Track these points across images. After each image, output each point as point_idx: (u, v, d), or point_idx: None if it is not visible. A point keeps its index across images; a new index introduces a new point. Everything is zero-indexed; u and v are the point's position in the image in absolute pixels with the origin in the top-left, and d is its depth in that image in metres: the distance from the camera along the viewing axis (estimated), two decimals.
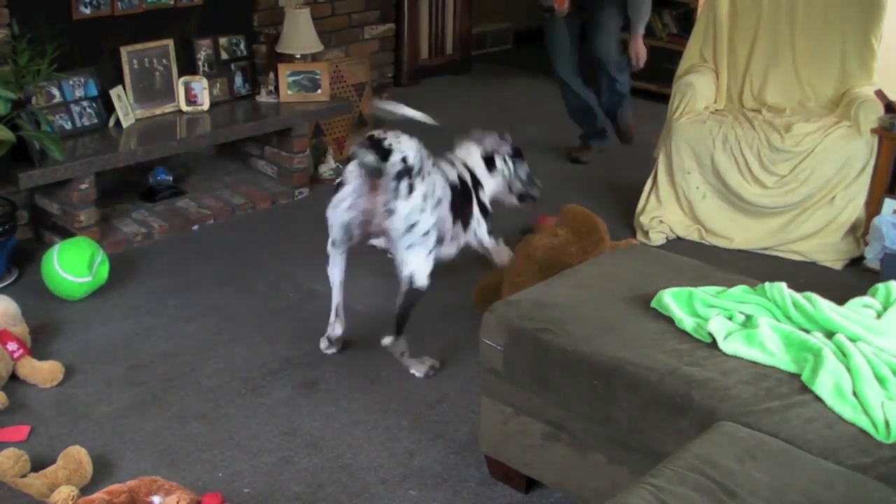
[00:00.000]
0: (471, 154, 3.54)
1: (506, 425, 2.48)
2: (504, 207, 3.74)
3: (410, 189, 2.88)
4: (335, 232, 3.10)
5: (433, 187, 3.00)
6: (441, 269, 3.80)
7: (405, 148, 2.87)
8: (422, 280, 3.00)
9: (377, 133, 2.92)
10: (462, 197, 3.31)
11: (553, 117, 5.99)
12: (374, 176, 2.89)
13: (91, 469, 2.53)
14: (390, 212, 2.90)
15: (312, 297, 3.60)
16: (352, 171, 2.97)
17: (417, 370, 3.11)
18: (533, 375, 2.34)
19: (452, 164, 3.42)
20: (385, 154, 2.84)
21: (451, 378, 3.10)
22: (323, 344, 3.22)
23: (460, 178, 3.36)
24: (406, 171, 2.87)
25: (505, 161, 3.59)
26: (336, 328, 3.20)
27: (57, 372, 2.99)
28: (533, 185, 3.71)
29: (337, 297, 3.19)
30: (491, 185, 3.56)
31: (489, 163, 3.57)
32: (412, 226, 2.92)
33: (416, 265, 2.98)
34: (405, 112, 3.20)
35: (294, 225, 4.25)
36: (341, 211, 3.03)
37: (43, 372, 2.97)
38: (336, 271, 3.16)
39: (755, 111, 4.21)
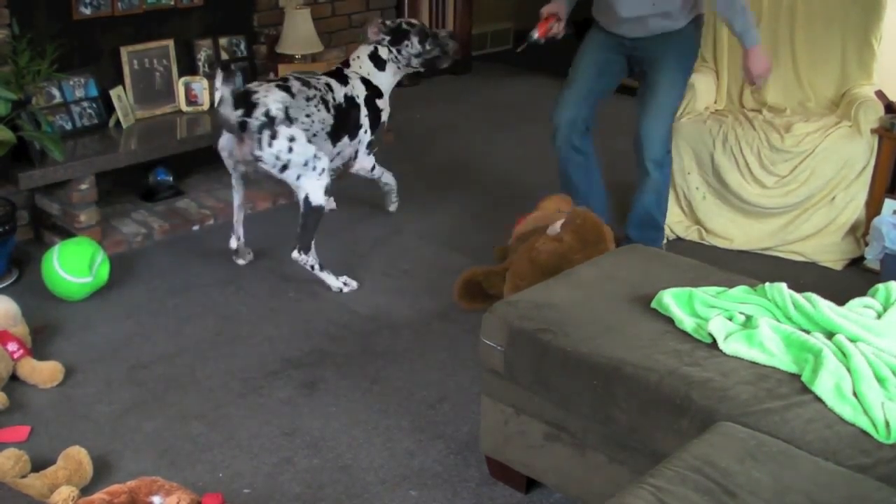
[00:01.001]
0: (362, 61, 3.92)
1: (506, 425, 2.48)
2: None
3: (273, 137, 3.39)
4: (228, 168, 3.69)
5: (308, 124, 3.51)
6: (441, 271, 3.81)
7: (269, 101, 3.40)
8: (317, 199, 3.53)
9: (252, 86, 3.48)
10: (349, 113, 3.77)
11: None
12: (233, 133, 3.42)
13: (91, 469, 2.53)
14: (257, 159, 3.43)
15: (312, 298, 3.60)
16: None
17: (332, 284, 3.64)
18: (533, 376, 2.34)
19: (346, 81, 3.81)
20: (250, 108, 3.36)
21: (451, 378, 3.10)
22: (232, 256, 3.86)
23: (347, 96, 3.77)
24: (268, 123, 3.38)
25: (390, 51, 3.92)
26: (232, 242, 3.82)
27: (57, 372, 2.99)
28: (438, 47, 3.98)
29: (236, 215, 3.81)
30: (386, 82, 3.95)
31: (378, 59, 3.92)
32: (285, 165, 3.44)
33: (308, 188, 3.51)
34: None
35: (294, 225, 4.25)
36: (224, 156, 3.62)
37: (43, 372, 2.97)
38: (236, 195, 3.79)
39: (755, 111, 4.21)
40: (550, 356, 2.28)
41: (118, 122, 4.08)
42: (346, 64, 3.93)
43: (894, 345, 2.17)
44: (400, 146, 5.31)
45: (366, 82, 3.86)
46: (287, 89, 3.50)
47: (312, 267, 3.62)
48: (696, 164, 4.11)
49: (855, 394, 2.01)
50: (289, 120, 3.42)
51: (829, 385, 2.03)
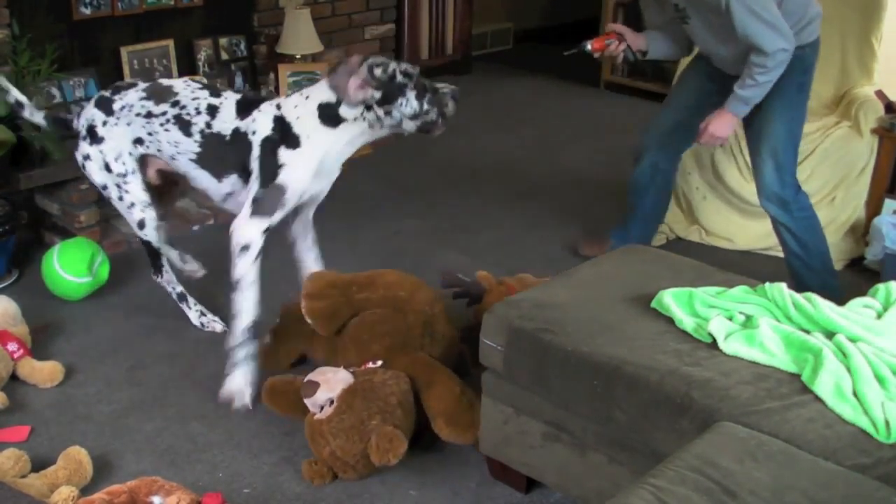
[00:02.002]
0: (306, 107, 2.87)
1: (506, 425, 2.48)
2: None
3: (76, 149, 3.13)
4: None
5: (113, 149, 3.05)
6: (441, 271, 3.81)
7: (84, 113, 3.11)
8: (133, 226, 3.17)
9: (105, 92, 3.12)
10: (235, 148, 2.92)
11: (552, 117, 6.00)
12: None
13: (91, 469, 2.53)
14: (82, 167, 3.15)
15: None
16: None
17: (191, 317, 3.38)
18: (533, 375, 2.34)
19: (248, 112, 2.93)
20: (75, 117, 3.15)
21: None
22: None
23: (238, 130, 2.91)
24: (85, 135, 3.09)
25: (372, 111, 2.81)
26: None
27: (57, 373, 2.99)
28: (436, 108, 2.87)
29: None
30: (322, 139, 2.86)
31: (332, 114, 2.84)
32: (93, 183, 3.17)
33: (124, 215, 3.18)
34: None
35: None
36: None
37: (43, 372, 2.97)
38: None
39: None
40: (550, 356, 2.28)
41: None
42: (294, 92, 3.01)
43: (894, 345, 2.17)
44: (400, 146, 5.31)
45: (282, 123, 2.86)
46: (107, 103, 3.05)
47: (174, 291, 3.34)
48: (696, 164, 4.11)
49: (855, 394, 2.01)
50: (91, 137, 3.06)
51: (829, 385, 2.03)
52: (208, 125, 2.95)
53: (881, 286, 2.44)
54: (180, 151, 3.00)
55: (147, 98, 3.01)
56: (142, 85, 3.07)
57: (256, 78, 4.66)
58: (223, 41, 4.54)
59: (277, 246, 4.07)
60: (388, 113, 2.81)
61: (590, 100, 6.39)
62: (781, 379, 2.10)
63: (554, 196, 4.67)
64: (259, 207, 2.86)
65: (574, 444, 2.34)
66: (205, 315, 3.36)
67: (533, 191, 4.75)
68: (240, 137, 2.91)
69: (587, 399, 2.23)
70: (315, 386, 2.57)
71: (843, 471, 1.84)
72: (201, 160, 2.99)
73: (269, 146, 2.86)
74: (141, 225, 3.14)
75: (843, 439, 1.92)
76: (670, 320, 2.32)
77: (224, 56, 4.56)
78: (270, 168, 2.86)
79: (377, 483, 2.60)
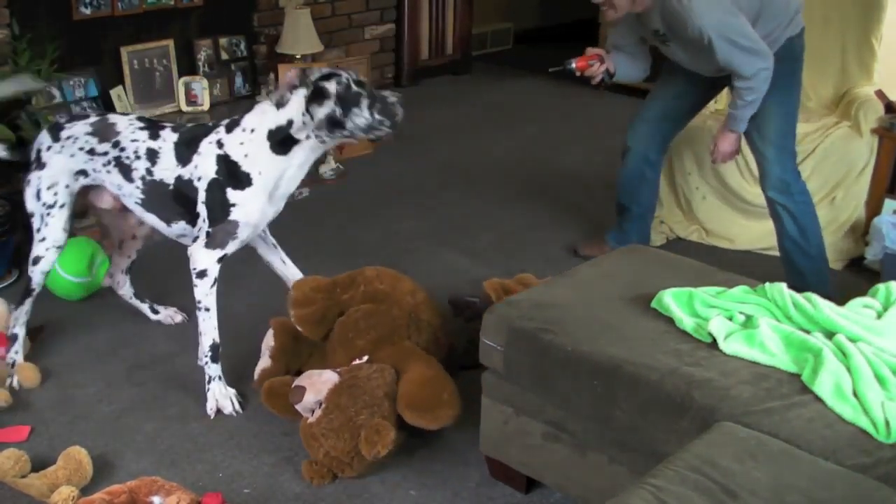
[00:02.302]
0: (254, 136, 2.75)
1: (506, 425, 2.48)
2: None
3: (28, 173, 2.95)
4: None
5: (49, 177, 2.89)
6: (442, 271, 3.81)
7: (38, 136, 2.97)
8: (33, 263, 2.97)
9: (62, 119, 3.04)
10: (180, 195, 2.82)
11: (552, 117, 6.00)
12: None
13: (91, 469, 2.53)
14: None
15: None
16: None
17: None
18: (533, 375, 2.34)
19: (190, 157, 2.79)
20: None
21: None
22: None
23: (182, 178, 2.80)
24: (32, 159, 2.94)
25: (337, 122, 2.70)
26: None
27: (30, 372, 2.98)
28: (386, 120, 2.83)
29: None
30: (273, 169, 2.76)
31: (284, 138, 2.73)
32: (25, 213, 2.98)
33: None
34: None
35: (294, 225, 4.25)
36: None
37: (22, 373, 2.96)
38: None
39: None
40: (550, 356, 2.28)
41: None
42: (233, 124, 2.79)
43: (894, 345, 2.17)
44: (400, 146, 5.31)
45: (227, 163, 2.74)
46: (57, 129, 2.92)
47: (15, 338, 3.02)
48: (696, 165, 4.11)
49: (855, 393, 2.01)
50: (36, 162, 2.92)
51: (829, 385, 2.03)
52: (149, 171, 2.83)
53: (881, 286, 2.44)
54: (124, 194, 2.90)
55: (92, 134, 2.87)
56: (92, 118, 2.93)
57: (256, 78, 4.66)
58: (223, 41, 4.54)
59: (292, 243, 4.07)
60: (342, 125, 2.71)
61: (590, 100, 6.39)
62: (781, 379, 2.10)
63: (554, 196, 4.67)
64: (212, 240, 2.80)
65: (574, 444, 2.34)
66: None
67: (533, 191, 4.75)
68: (184, 185, 2.81)
69: (587, 399, 2.23)
70: (302, 391, 2.58)
71: (844, 471, 1.84)
72: (146, 205, 2.89)
73: (216, 188, 2.76)
74: (36, 261, 2.95)
75: (843, 439, 1.92)
76: (670, 320, 2.32)
77: (224, 56, 4.56)
78: (220, 209, 2.77)
79: (377, 483, 2.60)
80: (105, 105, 4.07)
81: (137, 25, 4.19)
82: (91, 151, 2.86)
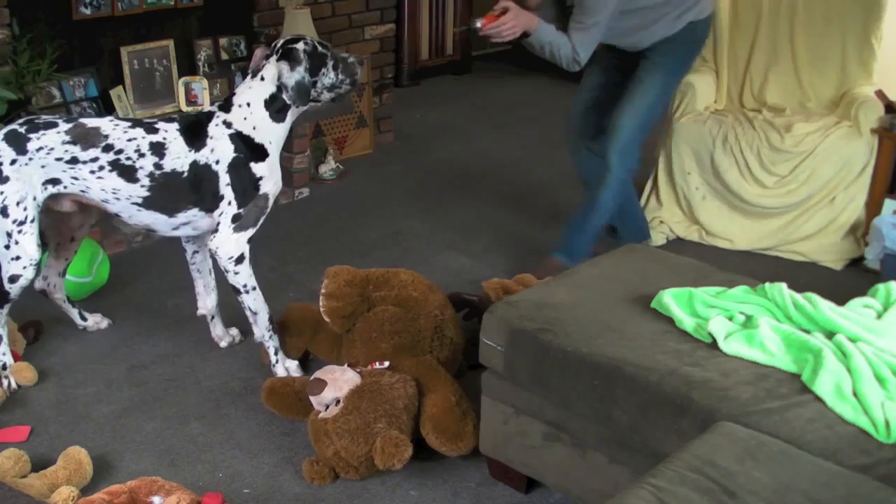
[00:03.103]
0: (252, 109, 2.82)
1: (506, 425, 2.48)
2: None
3: None
4: None
5: (16, 192, 2.67)
6: (441, 271, 3.81)
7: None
8: (3, 277, 2.79)
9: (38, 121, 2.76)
10: (195, 183, 2.79)
11: (552, 117, 6.00)
12: None
13: (91, 469, 2.53)
14: None
15: (313, 298, 3.59)
16: None
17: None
18: (533, 375, 2.34)
19: (201, 141, 2.79)
20: None
21: None
22: None
23: (197, 164, 2.77)
24: None
25: (290, 90, 2.80)
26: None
27: (26, 371, 2.98)
28: (348, 78, 2.92)
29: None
30: (277, 136, 2.87)
31: (278, 104, 2.83)
32: None
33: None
34: None
35: (294, 225, 4.25)
36: None
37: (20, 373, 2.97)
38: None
39: (755, 111, 4.21)
40: (550, 356, 2.28)
41: None
42: (227, 105, 2.85)
43: (894, 345, 2.17)
44: (400, 146, 5.32)
45: (242, 139, 2.80)
46: (20, 140, 2.68)
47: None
48: (696, 164, 4.11)
49: (855, 394, 2.01)
50: None
51: (829, 385, 2.03)
52: (158, 166, 2.75)
53: (881, 286, 2.44)
54: (119, 198, 2.77)
55: (71, 142, 2.70)
56: (63, 125, 2.72)
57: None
58: (223, 41, 4.54)
59: (292, 243, 4.07)
60: (314, 84, 2.84)
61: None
62: (781, 379, 2.10)
63: (554, 196, 4.67)
64: (242, 222, 2.83)
65: (574, 444, 2.34)
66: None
67: (533, 191, 4.75)
68: (200, 170, 2.78)
69: (587, 399, 2.23)
70: (322, 384, 2.57)
71: (844, 471, 1.84)
72: (149, 203, 2.79)
73: (241, 166, 2.80)
74: (14, 279, 2.80)
75: (843, 439, 1.92)
76: (670, 320, 2.32)
77: (224, 56, 4.55)
78: (249, 186, 2.82)
79: (377, 483, 2.60)
80: (105, 105, 4.06)
81: (137, 25, 4.19)
82: (73, 161, 2.70)
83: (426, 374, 2.71)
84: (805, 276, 3.77)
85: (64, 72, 3.84)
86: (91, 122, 2.76)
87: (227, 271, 2.86)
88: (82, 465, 2.51)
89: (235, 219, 2.81)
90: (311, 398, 2.60)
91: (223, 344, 3.22)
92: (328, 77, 2.86)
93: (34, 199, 2.72)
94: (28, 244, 2.75)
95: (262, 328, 2.97)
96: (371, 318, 2.84)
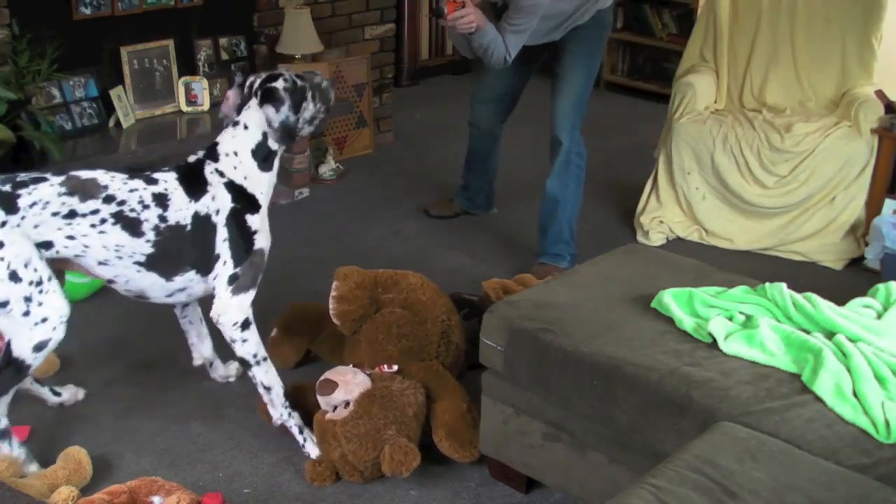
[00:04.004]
0: (241, 158, 2.64)
1: (506, 425, 2.48)
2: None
3: None
4: None
5: (17, 255, 2.38)
6: (441, 271, 3.81)
7: None
8: (21, 351, 2.45)
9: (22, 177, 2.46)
10: (196, 238, 2.58)
11: None
12: None
13: (91, 469, 2.53)
14: None
15: (313, 298, 3.59)
16: None
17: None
18: (533, 375, 2.34)
19: (202, 189, 2.59)
20: None
21: None
22: None
23: (199, 215, 2.58)
24: None
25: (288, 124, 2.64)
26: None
27: (52, 361, 2.98)
28: (322, 106, 2.77)
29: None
30: (267, 184, 2.70)
31: (266, 151, 2.66)
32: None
33: (12, 334, 2.46)
34: None
35: (294, 225, 4.25)
36: None
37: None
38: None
39: (755, 111, 4.21)
40: (550, 356, 2.28)
41: (118, 122, 4.08)
42: (214, 154, 2.64)
43: (894, 345, 2.17)
44: (400, 146, 5.31)
45: (236, 189, 2.61)
46: (8, 198, 2.38)
47: None
48: (696, 164, 4.11)
49: (855, 394, 2.01)
50: None
51: (829, 385, 2.03)
52: (163, 218, 2.53)
53: (881, 286, 2.44)
54: (121, 255, 2.52)
55: (69, 193, 2.43)
56: (55, 178, 2.45)
57: None
58: (223, 41, 4.54)
59: (292, 243, 4.07)
60: (294, 129, 2.65)
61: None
62: (781, 379, 2.10)
63: None
64: (241, 284, 2.60)
65: (574, 444, 2.34)
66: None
67: (533, 190, 4.73)
68: (201, 223, 2.58)
69: (587, 399, 2.23)
70: (333, 385, 2.56)
71: (844, 471, 1.84)
72: (151, 262, 2.56)
73: (238, 217, 2.61)
74: (40, 346, 2.46)
75: (843, 439, 1.92)
76: (670, 320, 2.32)
77: (224, 56, 4.56)
78: (246, 241, 2.62)
79: (377, 483, 2.59)
80: (105, 105, 4.06)
81: (137, 25, 4.19)
82: (71, 214, 2.44)
83: (434, 381, 2.71)
84: (805, 276, 3.77)
85: (64, 72, 3.84)
86: (86, 173, 2.52)
87: (233, 342, 2.61)
88: (82, 465, 2.51)
89: (232, 280, 2.59)
90: (320, 398, 2.59)
91: (232, 379, 3.05)
92: (308, 110, 2.70)
93: (41, 258, 2.44)
94: (55, 300, 2.46)
95: (278, 407, 2.66)
96: (378, 319, 2.84)
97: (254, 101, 2.63)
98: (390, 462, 2.46)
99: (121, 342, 3.27)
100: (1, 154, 3.49)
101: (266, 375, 2.64)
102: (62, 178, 2.46)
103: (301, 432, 2.68)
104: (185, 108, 4.36)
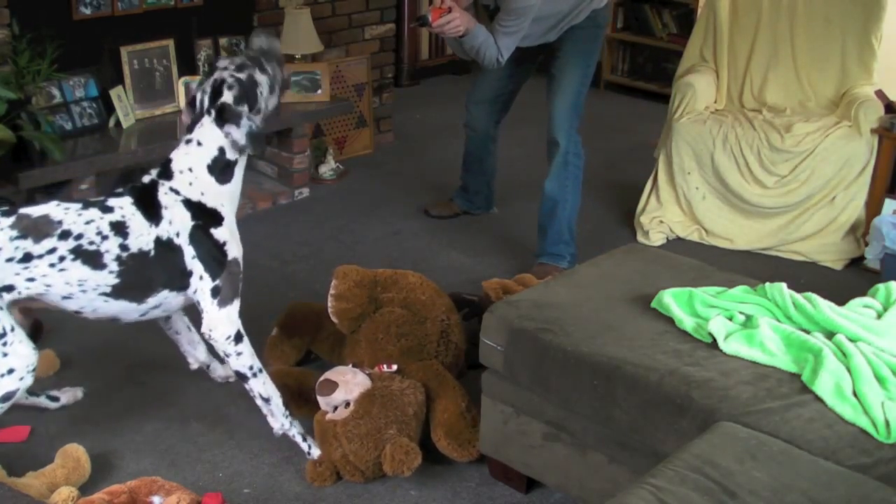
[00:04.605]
0: (195, 174, 2.54)
1: (506, 425, 2.48)
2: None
3: None
4: None
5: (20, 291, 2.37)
6: (441, 271, 3.81)
7: None
8: None
9: None
10: (163, 260, 2.50)
11: None
12: None
13: (89, 467, 2.53)
14: None
15: (313, 298, 3.60)
16: None
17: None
18: (533, 375, 2.34)
19: (158, 214, 2.50)
20: None
21: None
22: None
23: (161, 240, 2.49)
24: None
25: (250, 122, 2.52)
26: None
27: (52, 360, 2.98)
28: (279, 86, 2.66)
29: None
30: (230, 195, 2.61)
31: (224, 164, 2.56)
32: None
33: None
34: None
35: (294, 225, 4.25)
36: None
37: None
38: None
39: (755, 111, 4.21)
40: (550, 356, 2.28)
41: (118, 122, 4.08)
42: (167, 172, 2.55)
43: (894, 345, 2.17)
44: (400, 146, 5.31)
45: (194, 206, 2.53)
46: None
47: None
48: (696, 164, 4.11)
49: (855, 394, 2.01)
50: None
51: (829, 385, 2.03)
52: (124, 247, 2.44)
53: (881, 286, 2.44)
54: (85, 290, 2.44)
55: (21, 237, 2.32)
56: (4, 220, 2.34)
57: None
58: (223, 41, 4.53)
59: (292, 243, 4.07)
60: (259, 134, 2.54)
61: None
62: (781, 379, 2.10)
63: None
64: (223, 295, 2.55)
65: (574, 444, 2.34)
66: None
67: (533, 190, 4.73)
68: (164, 246, 2.49)
69: (587, 399, 2.23)
70: (333, 385, 2.56)
71: (844, 471, 1.84)
72: (118, 291, 2.47)
73: (202, 233, 2.53)
74: (6, 398, 2.37)
75: (843, 439, 1.92)
76: (670, 320, 2.32)
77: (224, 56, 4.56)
78: (217, 252, 2.55)
79: (377, 483, 2.60)
80: (105, 105, 4.06)
81: (137, 25, 4.19)
82: (26, 258, 2.33)
83: (434, 380, 2.71)
84: (805, 276, 3.77)
85: (64, 72, 3.84)
86: (36, 210, 2.39)
87: (227, 356, 2.57)
88: (80, 463, 2.51)
89: (215, 293, 2.53)
90: (320, 398, 2.59)
91: (232, 379, 2.99)
92: (264, 96, 2.57)
93: (2, 307, 2.34)
94: (21, 349, 2.37)
95: (279, 417, 2.63)
96: (378, 319, 2.84)
97: (206, 119, 2.52)
98: (392, 461, 2.46)
99: (120, 342, 3.27)
100: (1, 154, 3.49)
101: (264, 387, 2.60)
102: (12, 219, 2.34)
103: (304, 440, 2.66)
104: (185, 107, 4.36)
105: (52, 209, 2.40)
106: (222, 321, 2.54)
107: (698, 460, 1.81)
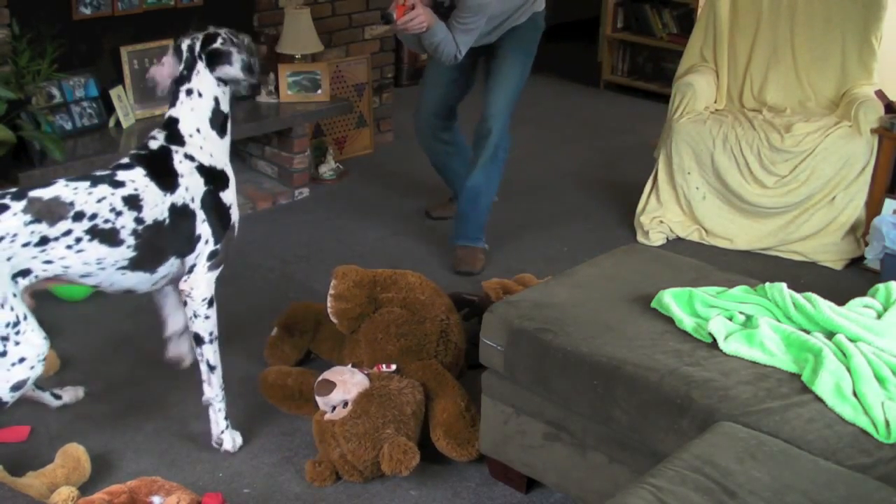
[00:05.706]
0: (204, 136, 2.59)
1: (506, 425, 2.48)
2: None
3: None
4: None
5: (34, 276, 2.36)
6: (441, 271, 3.81)
7: None
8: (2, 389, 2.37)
9: None
10: (176, 228, 2.54)
11: (552, 117, 6.00)
12: None
13: (89, 466, 2.53)
14: None
15: (313, 298, 3.60)
16: None
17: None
18: (533, 375, 2.34)
19: (174, 182, 2.53)
20: None
21: None
22: None
23: (176, 206, 2.52)
24: None
25: (220, 84, 2.62)
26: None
27: (52, 360, 2.97)
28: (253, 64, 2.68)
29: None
30: (225, 152, 2.66)
31: (222, 118, 2.64)
32: None
33: None
34: None
35: (294, 225, 4.25)
36: None
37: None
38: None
39: (755, 111, 4.21)
40: (550, 356, 2.28)
41: (118, 122, 4.08)
42: (176, 135, 2.57)
43: (894, 345, 2.17)
44: (400, 146, 5.31)
45: (207, 171, 2.58)
46: None
47: None
48: (696, 164, 4.11)
49: (855, 394, 2.01)
50: None
51: (829, 385, 2.03)
52: (139, 220, 2.45)
53: (881, 286, 2.45)
54: (103, 266, 2.45)
55: (35, 220, 2.31)
56: (16, 203, 2.31)
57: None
58: None
59: (292, 243, 4.07)
60: (225, 83, 2.61)
61: (590, 100, 6.39)
62: (781, 379, 2.10)
63: (553, 196, 4.67)
64: (218, 259, 2.61)
65: (574, 444, 2.34)
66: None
67: (532, 190, 4.74)
68: (179, 212, 2.53)
69: (587, 399, 2.23)
70: (331, 385, 2.57)
71: (844, 471, 1.84)
72: (135, 263, 2.50)
73: (213, 198, 2.58)
74: (17, 386, 2.38)
75: (843, 439, 1.93)
76: (670, 320, 2.32)
77: None
78: (223, 218, 2.61)
79: (377, 483, 2.60)
80: (105, 105, 4.06)
81: (137, 25, 4.19)
82: (43, 241, 2.33)
83: (433, 379, 2.72)
84: (805, 276, 3.77)
85: (64, 72, 3.84)
86: (44, 192, 2.36)
87: (196, 316, 2.61)
88: (80, 463, 2.51)
89: (212, 256, 2.59)
90: (318, 399, 2.60)
91: (186, 365, 2.99)
92: (234, 68, 2.61)
93: (14, 294, 2.33)
94: (32, 338, 2.36)
95: (215, 387, 2.69)
96: (377, 319, 2.84)
97: (200, 64, 2.57)
98: (390, 461, 2.46)
99: (121, 342, 3.27)
100: (1, 154, 3.50)
101: (214, 355, 2.68)
102: (23, 203, 2.31)
103: (226, 418, 2.72)
104: None
105: (61, 189, 2.38)
106: (205, 283, 2.61)
107: (698, 460, 1.81)
